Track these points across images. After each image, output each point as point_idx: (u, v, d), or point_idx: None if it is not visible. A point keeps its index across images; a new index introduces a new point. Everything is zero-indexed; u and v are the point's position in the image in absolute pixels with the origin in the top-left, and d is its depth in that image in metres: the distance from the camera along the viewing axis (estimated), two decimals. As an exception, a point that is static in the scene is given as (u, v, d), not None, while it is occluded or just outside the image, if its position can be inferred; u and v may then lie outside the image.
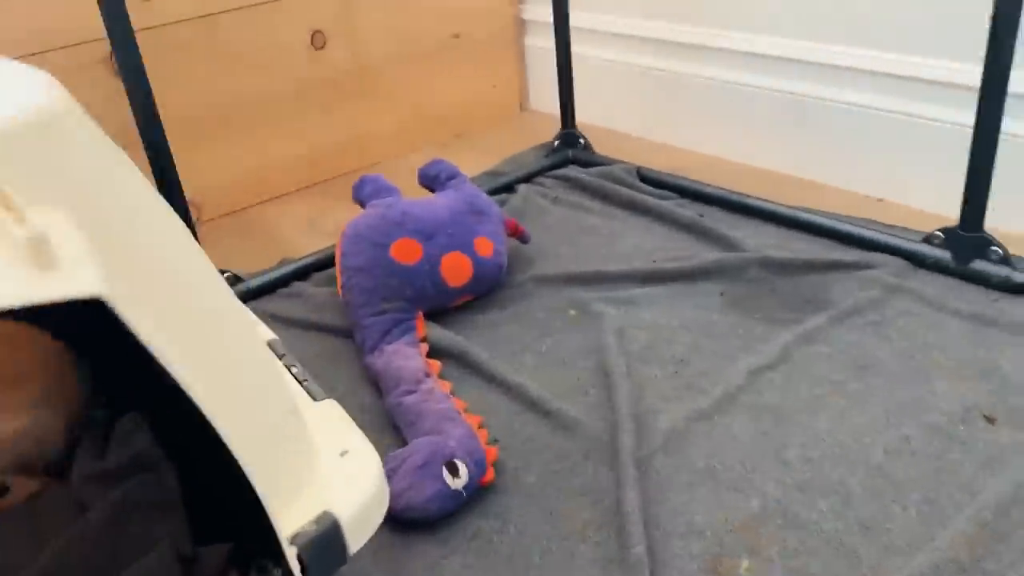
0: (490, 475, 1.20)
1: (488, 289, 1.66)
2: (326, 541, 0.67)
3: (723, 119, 2.24)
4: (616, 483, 1.18)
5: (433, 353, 1.49)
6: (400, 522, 1.14)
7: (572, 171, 2.17)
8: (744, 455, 1.22)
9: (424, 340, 1.50)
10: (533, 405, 1.36)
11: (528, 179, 2.18)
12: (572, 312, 1.60)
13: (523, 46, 2.74)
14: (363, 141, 2.43)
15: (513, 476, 1.24)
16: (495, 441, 1.29)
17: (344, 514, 0.68)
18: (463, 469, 1.16)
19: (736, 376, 1.38)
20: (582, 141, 2.25)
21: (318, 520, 0.67)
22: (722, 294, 1.62)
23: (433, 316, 1.59)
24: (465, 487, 1.16)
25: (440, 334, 1.53)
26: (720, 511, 1.12)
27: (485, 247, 1.61)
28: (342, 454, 0.73)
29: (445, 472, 1.15)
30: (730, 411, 1.31)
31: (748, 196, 1.92)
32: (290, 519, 0.66)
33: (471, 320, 1.60)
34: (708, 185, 1.99)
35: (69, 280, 0.44)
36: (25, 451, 1.08)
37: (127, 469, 1.24)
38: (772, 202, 1.88)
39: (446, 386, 1.37)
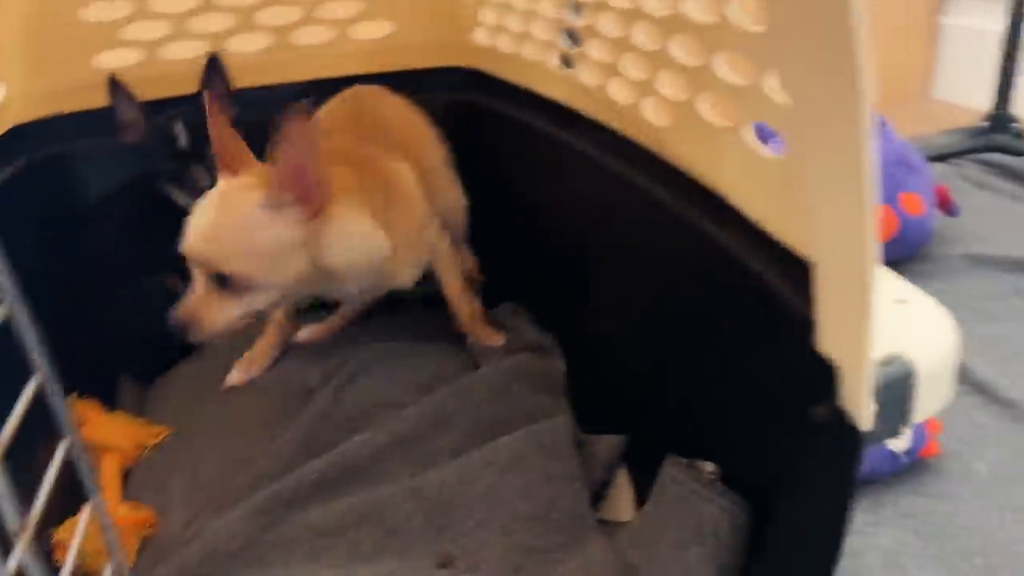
0: (933, 448, 0.96)
1: (912, 252, 1.40)
2: (898, 387, 0.50)
3: None
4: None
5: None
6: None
7: (998, 157, 1.83)
8: None
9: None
10: (982, 389, 1.09)
11: (941, 159, 1.87)
12: (1016, 301, 1.30)
13: (937, 25, 2.40)
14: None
15: (957, 459, 0.99)
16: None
17: (920, 362, 0.50)
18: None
19: None
20: (1016, 126, 1.89)
21: (889, 363, 0.50)
22: None
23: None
24: (906, 452, 0.93)
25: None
26: None
27: (913, 204, 1.36)
28: (899, 302, 0.56)
29: (884, 429, 0.93)
30: None
31: None
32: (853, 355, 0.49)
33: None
34: None
35: None
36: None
37: (520, 346, 1.16)
38: None
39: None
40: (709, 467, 0.76)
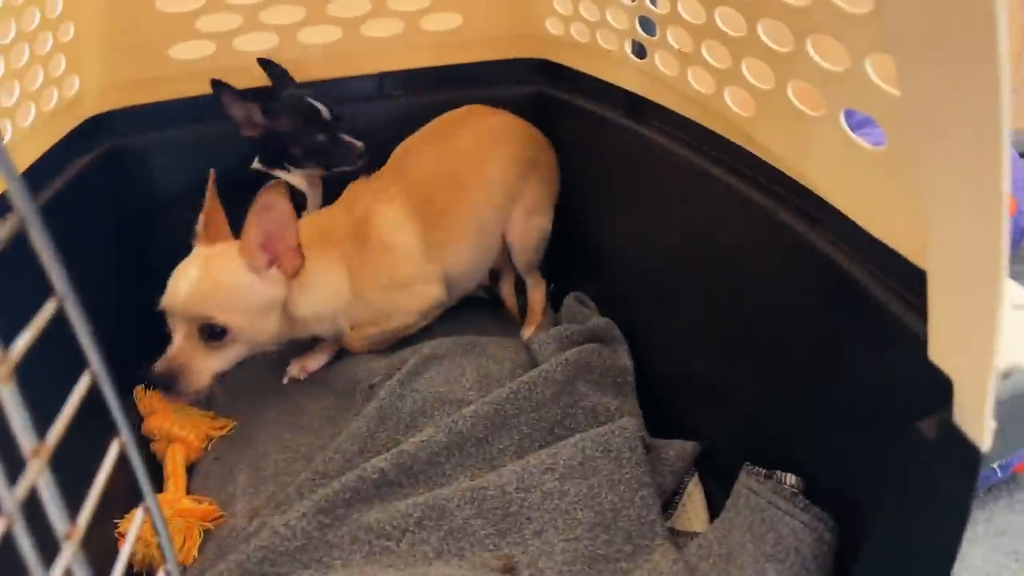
0: (1033, 466, 0.89)
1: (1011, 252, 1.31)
2: (1021, 402, 0.44)
3: None
4: None
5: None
6: None
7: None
8: None
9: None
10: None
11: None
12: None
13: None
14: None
15: (1060, 478, 0.91)
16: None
17: None
18: (1002, 446, 0.87)
19: None
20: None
21: (1009, 376, 0.45)
22: None
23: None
24: (1001, 466, 0.87)
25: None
26: None
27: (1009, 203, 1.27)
28: (1017, 308, 0.50)
29: (978, 442, 0.87)
30: None
31: None
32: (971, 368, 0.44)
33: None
34: None
35: None
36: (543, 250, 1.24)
37: (583, 336, 1.09)
38: None
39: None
40: (791, 479, 0.71)
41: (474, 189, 1.17)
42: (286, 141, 1.18)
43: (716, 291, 0.88)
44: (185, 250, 0.99)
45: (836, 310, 0.67)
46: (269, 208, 0.93)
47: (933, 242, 0.47)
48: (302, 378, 1.11)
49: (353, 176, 1.18)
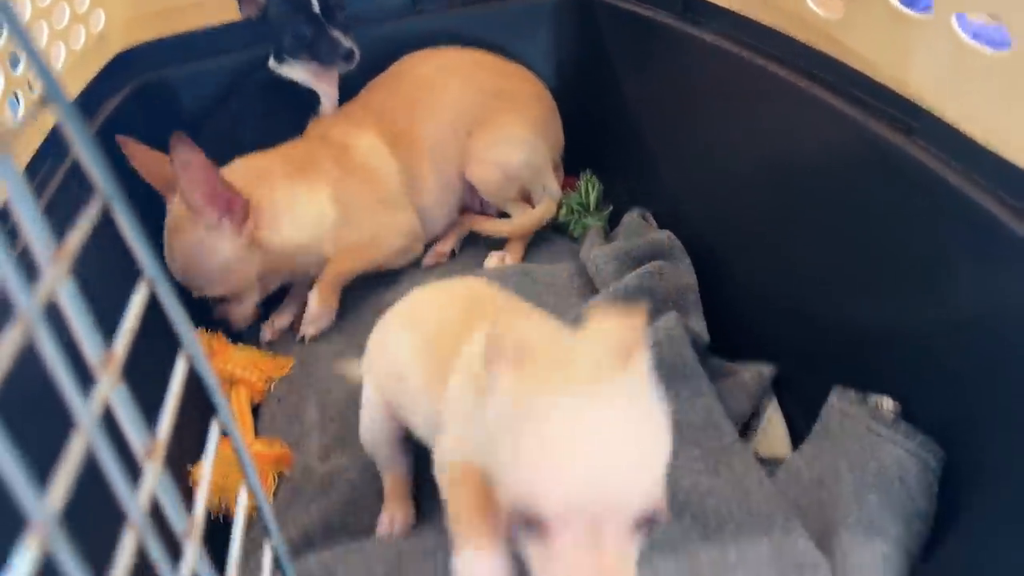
0: None
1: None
2: None
3: None
4: None
5: None
6: None
7: None
8: None
9: None
10: None
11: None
12: None
13: None
14: None
15: None
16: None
17: None
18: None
19: None
20: None
21: None
22: None
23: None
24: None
25: None
26: None
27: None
28: None
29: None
30: None
31: None
32: None
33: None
34: None
35: None
36: (523, 183, 1.18)
37: (643, 252, 1.03)
38: None
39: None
40: (888, 404, 0.68)
41: (430, 111, 1.15)
42: (277, 29, 1.12)
43: (799, 209, 0.83)
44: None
45: (940, 227, 0.63)
46: (187, 164, 0.90)
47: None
48: (275, 339, 1.09)
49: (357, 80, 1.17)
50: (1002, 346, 0.57)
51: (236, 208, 0.96)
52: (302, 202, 1.03)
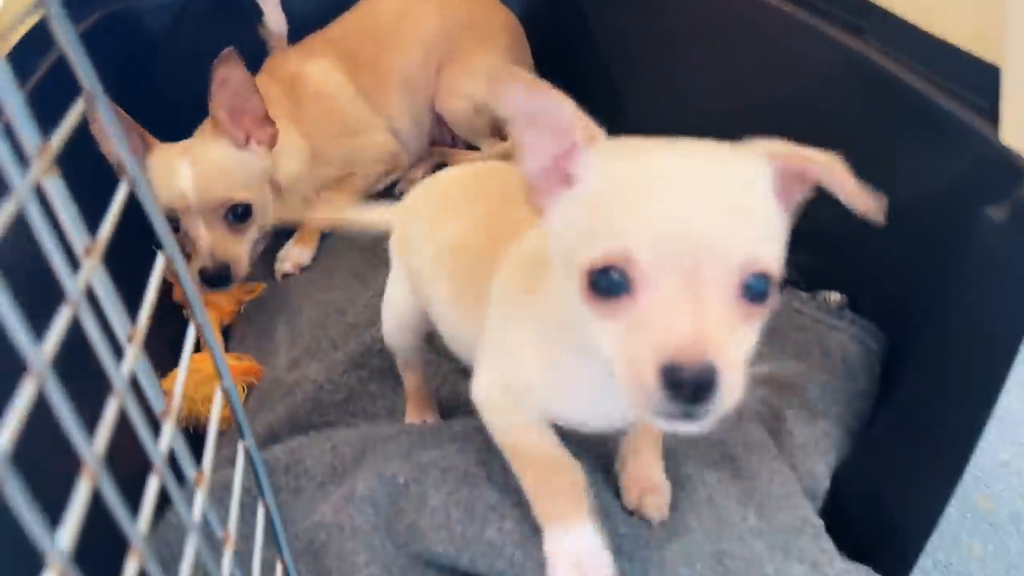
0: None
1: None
2: None
3: None
4: None
5: None
6: None
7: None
8: None
9: None
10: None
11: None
12: None
13: None
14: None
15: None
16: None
17: None
18: None
19: None
20: None
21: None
22: None
23: None
24: None
25: None
26: None
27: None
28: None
29: None
30: None
31: None
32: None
33: None
34: None
35: None
36: (494, 116, 1.13)
37: None
38: None
39: None
40: (835, 297, 0.72)
41: (401, 46, 1.15)
42: None
43: (760, 116, 0.85)
44: (189, 110, 0.96)
45: (886, 121, 0.66)
46: (226, 81, 0.90)
47: (1010, 30, 0.48)
48: (297, 272, 1.07)
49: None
50: (937, 232, 0.60)
51: (263, 133, 0.96)
52: (289, 138, 1.03)
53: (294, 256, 1.07)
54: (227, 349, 0.97)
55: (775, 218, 0.44)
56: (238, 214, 0.93)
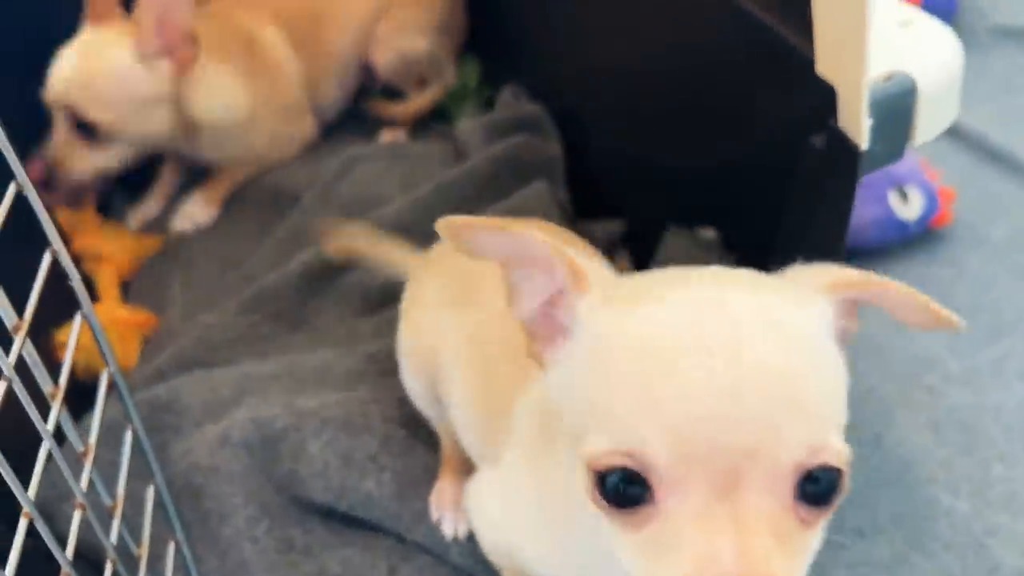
0: (945, 217, 0.93)
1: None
2: (898, 102, 0.46)
3: None
4: None
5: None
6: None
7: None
8: None
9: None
10: (999, 158, 1.05)
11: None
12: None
13: None
14: None
15: (970, 228, 0.96)
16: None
17: (921, 79, 0.46)
18: (915, 198, 0.90)
19: None
20: None
21: (890, 79, 0.46)
22: None
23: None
24: (917, 221, 0.90)
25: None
26: None
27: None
28: (903, 24, 0.51)
29: (892, 196, 0.90)
30: None
31: None
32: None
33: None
34: None
35: None
36: (422, 69, 1.16)
37: (511, 125, 1.04)
38: None
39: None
40: (709, 233, 0.74)
41: (338, 26, 1.11)
42: None
43: (648, 65, 0.85)
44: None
45: (750, 58, 0.66)
46: None
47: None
48: (140, 227, 1.04)
49: None
50: (787, 153, 0.61)
51: (184, 55, 0.90)
52: (225, 84, 0.98)
53: (194, 213, 1.04)
54: (128, 301, 0.94)
55: (840, 378, 0.34)
56: (85, 128, 0.89)
